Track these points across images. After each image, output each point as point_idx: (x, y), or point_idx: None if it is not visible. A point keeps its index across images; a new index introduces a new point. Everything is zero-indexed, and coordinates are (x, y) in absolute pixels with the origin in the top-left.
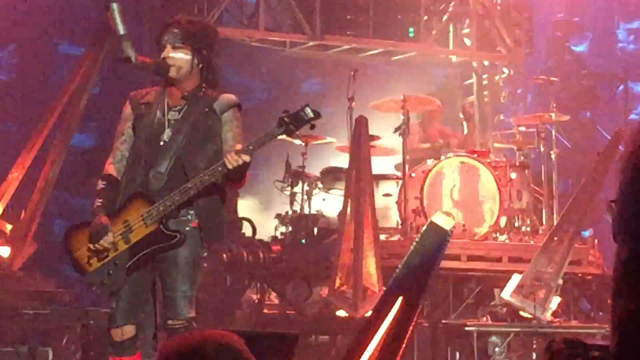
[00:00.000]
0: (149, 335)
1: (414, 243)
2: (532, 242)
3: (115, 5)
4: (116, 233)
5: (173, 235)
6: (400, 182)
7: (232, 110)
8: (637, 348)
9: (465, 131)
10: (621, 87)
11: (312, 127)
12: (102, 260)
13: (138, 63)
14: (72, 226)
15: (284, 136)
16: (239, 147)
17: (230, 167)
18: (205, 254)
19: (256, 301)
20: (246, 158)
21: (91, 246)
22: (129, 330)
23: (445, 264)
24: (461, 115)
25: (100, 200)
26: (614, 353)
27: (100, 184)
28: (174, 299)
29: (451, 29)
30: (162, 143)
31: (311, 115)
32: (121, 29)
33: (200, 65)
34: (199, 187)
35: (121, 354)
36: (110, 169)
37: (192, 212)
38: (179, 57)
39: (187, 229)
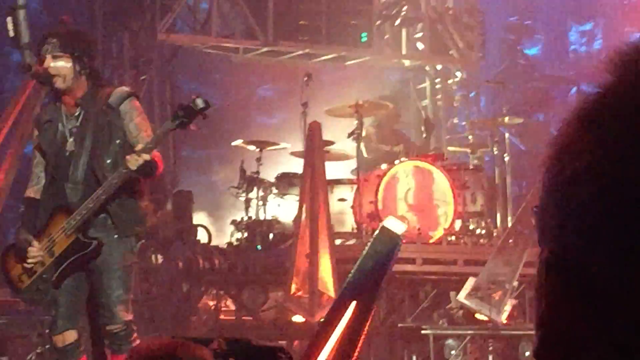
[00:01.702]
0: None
1: (366, 248)
2: (487, 245)
3: (21, 12)
4: (42, 248)
5: (90, 242)
6: (355, 186)
7: (129, 101)
8: (556, 344)
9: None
10: (574, 90)
11: (204, 116)
12: (31, 276)
13: (36, 72)
14: (6, 248)
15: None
16: (139, 147)
17: (133, 168)
18: (133, 260)
19: (212, 307)
20: (146, 157)
21: (25, 264)
22: (71, 335)
23: (400, 267)
24: (422, 128)
25: (20, 222)
26: (536, 348)
27: (21, 208)
28: (109, 305)
29: (404, 33)
30: (67, 154)
31: (202, 105)
32: (26, 37)
33: (84, 72)
34: (108, 192)
35: None
36: (29, 191)
37: (110, 219)
38: (61, 65)
39: (114, 236)
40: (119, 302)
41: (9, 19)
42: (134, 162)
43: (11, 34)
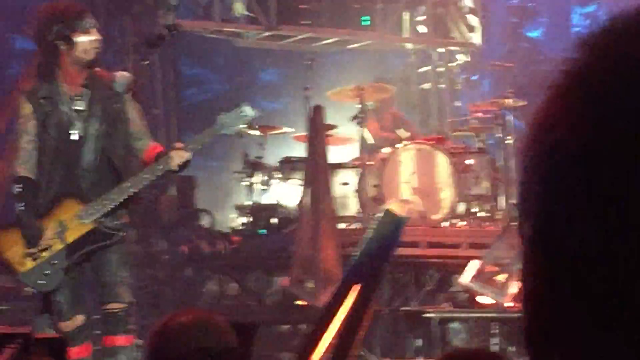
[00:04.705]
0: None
1: (370, 231)
2: (490, 228)
3: None
4: (50, 233)
5: (112, 233)
6: (359, 170)
7: (131, 88)
8: (546, 324)
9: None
10: None
11: (250, 126)
12: (36, 260)
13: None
14: None
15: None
16: (180, 145)
17: (174, 166)
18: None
19: (217, 292)
20: (189, 156)
21: (32, 250)
22: (80, 319)
23: (404, 251)
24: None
25: (22, 204)
26: (524, 329)
27: (16, 187)
28: (113, 284)
29: (406, 16)
30: (76, 137)
31: (251, 114)
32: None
33: None
34: (138, 187)
35: (71, 345)
36: (21, 170)
37: (127, 210)
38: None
39: (122, 221)
40: (123, 283)
41: None
42: (178, 159)
43: None
